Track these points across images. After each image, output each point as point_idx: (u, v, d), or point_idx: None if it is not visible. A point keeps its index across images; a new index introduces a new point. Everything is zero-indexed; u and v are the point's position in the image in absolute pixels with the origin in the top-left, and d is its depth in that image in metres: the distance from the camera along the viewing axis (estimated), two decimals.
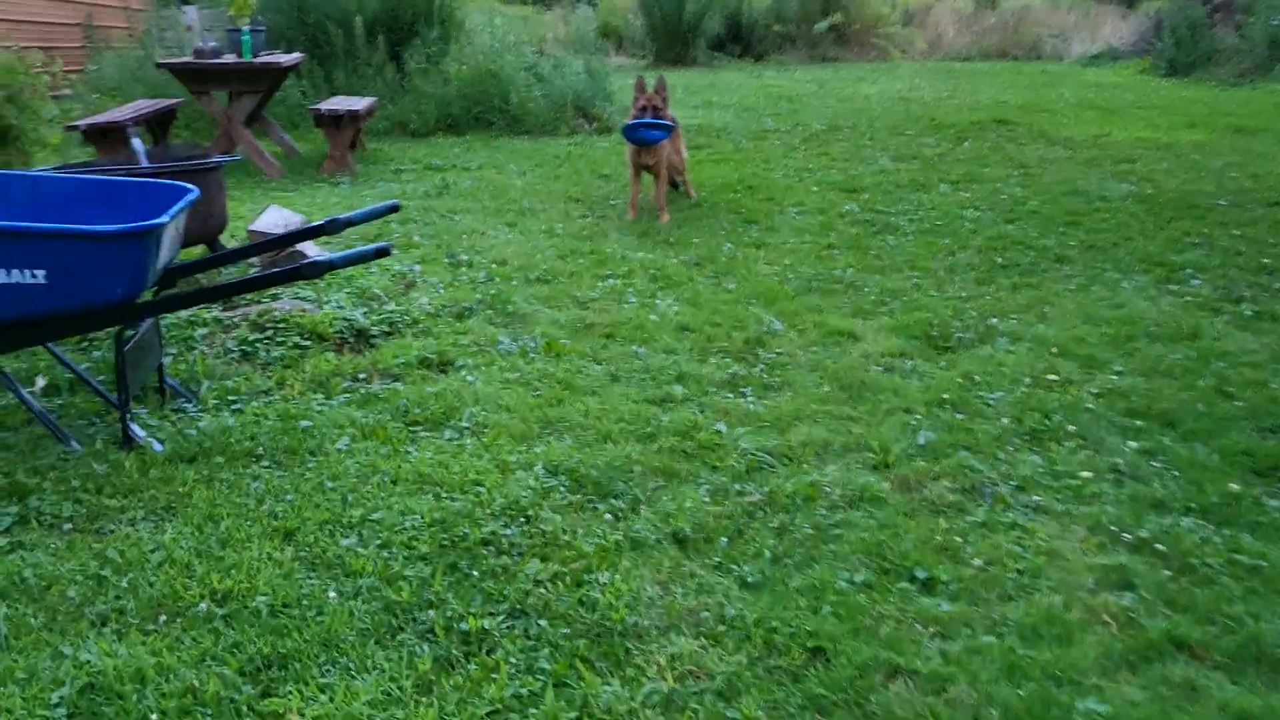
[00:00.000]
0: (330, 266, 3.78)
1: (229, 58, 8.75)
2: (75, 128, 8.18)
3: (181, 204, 3.65)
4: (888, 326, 5.14)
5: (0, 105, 6.19)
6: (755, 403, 4.20)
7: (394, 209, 3.94)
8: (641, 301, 5.51)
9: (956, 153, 10.13)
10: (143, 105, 9.21)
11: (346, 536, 3.08)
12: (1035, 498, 3.42)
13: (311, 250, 5.23)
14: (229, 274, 5.42)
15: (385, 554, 2.98)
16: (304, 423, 3.79)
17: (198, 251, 5.72)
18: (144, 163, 5.03)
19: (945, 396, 4.23)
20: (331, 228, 3.89)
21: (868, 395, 4.31)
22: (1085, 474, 3.57)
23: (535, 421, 3.91)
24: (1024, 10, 27.92)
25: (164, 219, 3.41)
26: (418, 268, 5.91)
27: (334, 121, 8.67)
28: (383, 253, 3.85)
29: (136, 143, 5.05)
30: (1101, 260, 6.27)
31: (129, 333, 3.59)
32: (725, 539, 3.13)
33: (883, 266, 6.22)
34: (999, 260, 6.32)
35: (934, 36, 26.53)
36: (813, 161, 9.81)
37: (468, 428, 3.85)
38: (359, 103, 9.52)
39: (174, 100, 9.46)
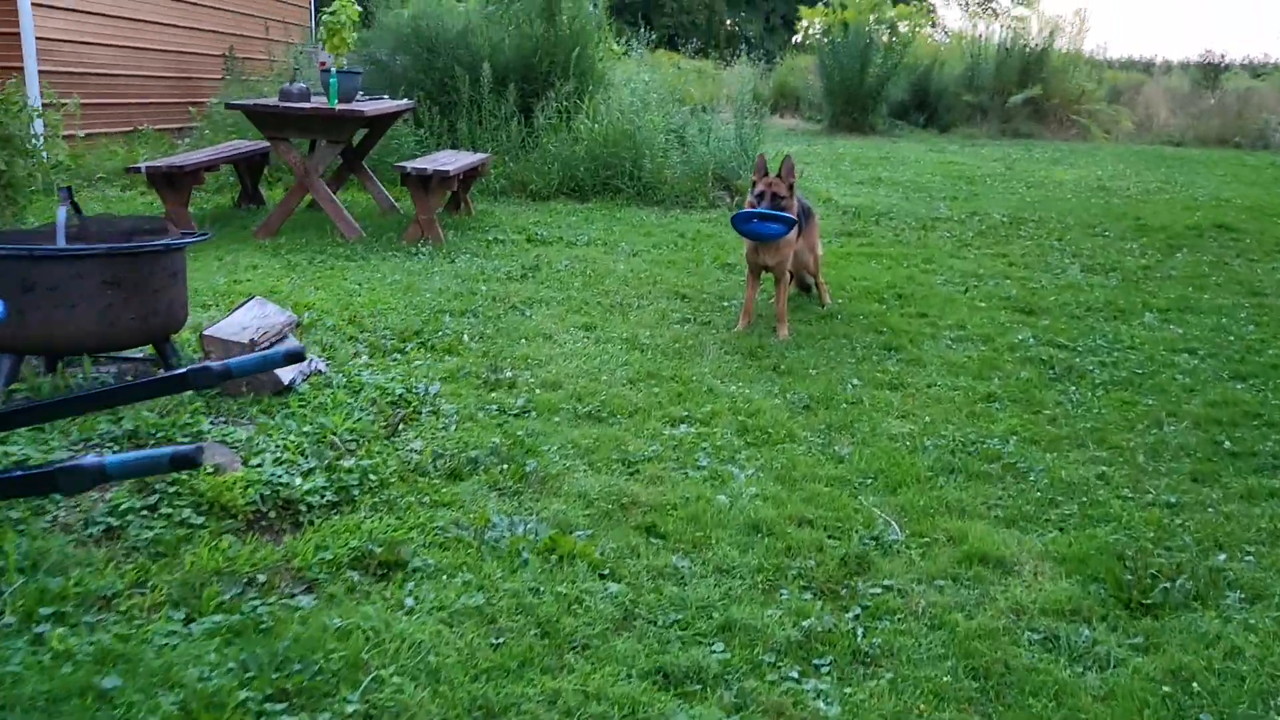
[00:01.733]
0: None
1: (319, 101, 7.76)
2: (137, 170, 7.31)
3: None
4: (1056, 552, 3.52)
5: None
6: (830, 700, 2.67)
7: (297, 356, 2.60)
8: (713, 469, 4.04)
9: (1167, 267, 8.25)
10: (226, 149, 8.34)
11: None
12: None
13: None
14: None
15: None
16: (109, 681, 2.47)
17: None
18: (60, 240, 3.90)
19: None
20: (196, 381, 2.56)
21: (1011, 696, 2.73)
22: None
23: (464, 712, 2.49)
24: (1248, 93, 25.20)
25: None
26: (435, 388, 4.61)
27: (421, 183, 7.55)
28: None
29: (61, 213, 3.93)
30: None
31: None
32: None
33: (1058, 438, 4.56)
34: (1225, 443, 4.56)
35: (1143, 116, 24.11)
36: (986, 264, 8.13)
37: (354, 715, 2.45)
38: (462, 160, 8.40)
39: (265, 144, 8.54)
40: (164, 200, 7.44)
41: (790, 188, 5.85)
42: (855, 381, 5.19)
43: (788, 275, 6.10)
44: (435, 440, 4.05)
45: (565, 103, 10.52)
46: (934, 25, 34.13)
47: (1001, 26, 23.39)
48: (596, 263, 7.54)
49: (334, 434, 3.79)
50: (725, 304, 6.58)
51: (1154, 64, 32.52)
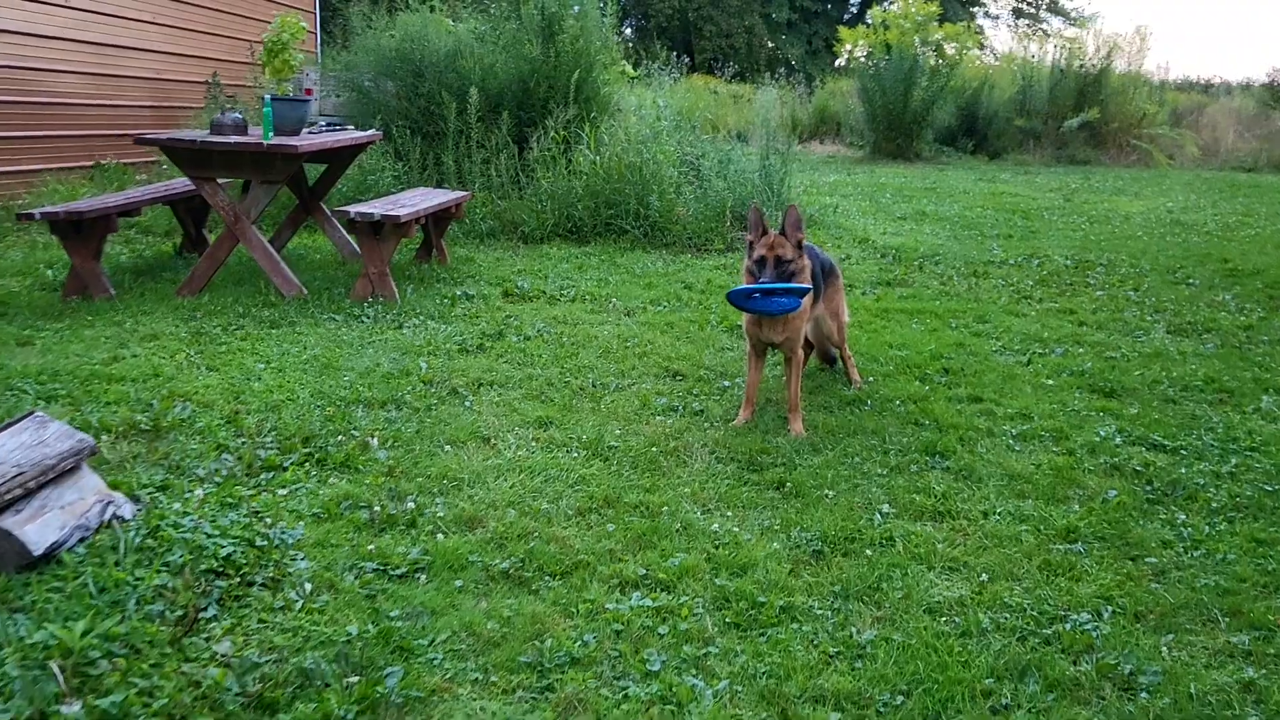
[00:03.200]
0: None
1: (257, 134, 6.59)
2: (30, 217, 6.15)
3: None
4: None
5: None
6: None
7: None
8: (667, 682, 2.72)
9: (1274, 326, 6.81)
10: (156, 189, 7.20)
11: None
12: None
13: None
14: None
15: None
16: None
17: None
18: None
19: None
20: None
21: None
22: None
23: None
24: None
25: None
26: (298, 532, 3.34)
27: (370, 230, 6.32)
28: None
29: None
30: None
31: None
32: None
33: (1172, 609, 3.19)
34: None
35: (1209, 140, 22.51)
36: (1050, 324, 6.75)
37: None
38: (431, 200, 7.18)
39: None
40: (69, 252, 6.27)
41: (799, 245, 4.54)
42: (886, 508, 3.85)
43: (801, 353, 4.78)
44: (258, 636, 2.77)
45: (564, 132, 9.28)
46: (982, 47, 32.63)
47: (1055, 47, 21.88)
48: (578, 326, 6.26)
49: (66, 653, 2.49)
50: (726, 384, 5.26)
51: (1212, 85, 30.87)
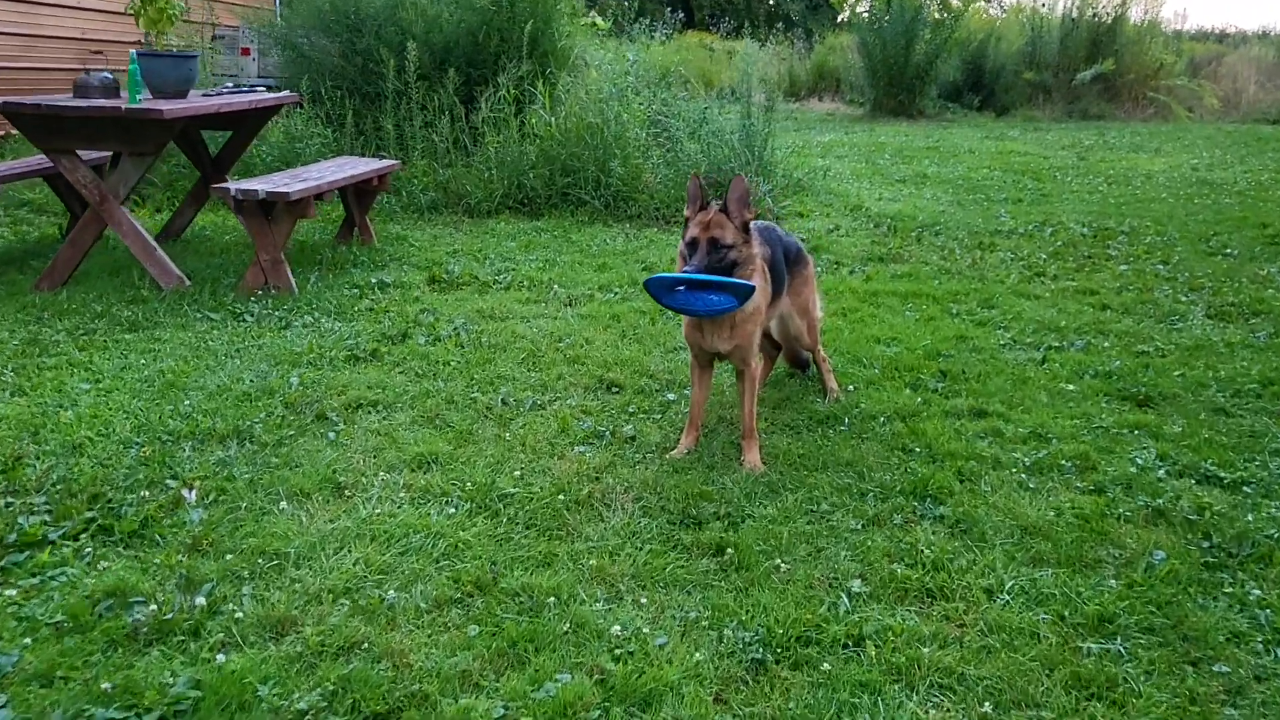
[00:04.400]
0: None
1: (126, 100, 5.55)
2: None
3: None
4: None
5: None
6: None
7: None
8: None
9: None
10: (36, 161, 6.17)
11: None
12: None
13: None
14: None
15: None
16: None
17: None
18: None
19: None
20: None
21: None
22: None
23: None
24: None
25: None
26: (12, 656, 2.36)
27: (260, 210, 5.31)
28: None
29: None
30: None
31: None
32: None
33: None
34: None
35: (1229, 91, 21.31)
36: (1068, 308, 5.73)
37: None
38: (344, 172, 6.16)
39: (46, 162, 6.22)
40: None
41: (745, 227, 3.52)
42: (857, 585, 2.86)
43: (757, 365, 3.77)
44: None
45: (514, 91, 8.22)
46: None
47: None
48: (506, 321, 5.26)
49: None
50: (672, 397, 4.26)
51: (1228, 34, 29.54)
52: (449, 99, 8.31)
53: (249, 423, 3.76)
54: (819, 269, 6.59)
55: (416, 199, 7.92)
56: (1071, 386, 4.47)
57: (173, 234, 6.74)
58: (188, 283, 5.49)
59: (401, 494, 3.32)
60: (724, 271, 3.44)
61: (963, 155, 12.54)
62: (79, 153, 5.44)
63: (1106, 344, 5.08)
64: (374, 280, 5.87)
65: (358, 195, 6.62)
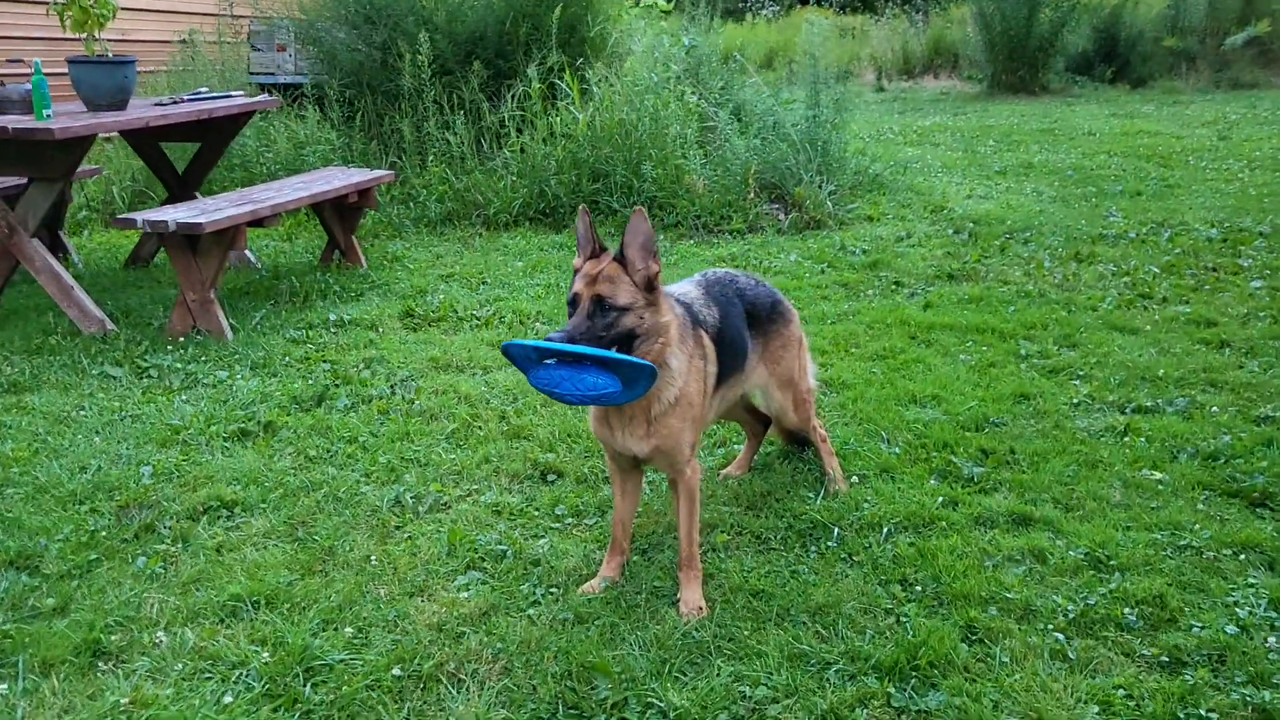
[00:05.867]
0: None
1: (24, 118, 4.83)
2: None
3: None
4: None
5: None
6: None
7: None
8: None
9: None
10: None
11: None
12: None
13: None
14: None
15: None
16: None
17: None
18: None
19: None
20: None
21: None
22: None
23: None
24: None
25: None
26: None
27: (186, 243, 4.54)
28: None
29: None
30: None
31: None
32: None
33: None
34: None
35: None
36: (1174, 346, 4.52)
37: None
38: (313, 187, 5.37)
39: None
40: None
41: (649, 283, 2.53)
42: None
43: (691, 471, 2.77)
44: None
45: (540, 86, 7.30)
46: None
47: None
48: (462, 373, 4.38)
49: None
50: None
51: None
52: (473, 95, 7.45)
53: (46, 541, 2.96)
54: (872, 293, 5.52)
55: (428, 210, 7.09)
56: (1158, 475, 3.33)
57: (140, 260, 6.07)
58: (110, 326, 4.77)
59: (179, 665, 2.45)
60: (616, 342, 2.47)
61: (1080, 138, 11.08)
62: None
63: (1217, 404, 3.88)
64: (333, 317, 5.05)
65: (339, 214, 5.81)
